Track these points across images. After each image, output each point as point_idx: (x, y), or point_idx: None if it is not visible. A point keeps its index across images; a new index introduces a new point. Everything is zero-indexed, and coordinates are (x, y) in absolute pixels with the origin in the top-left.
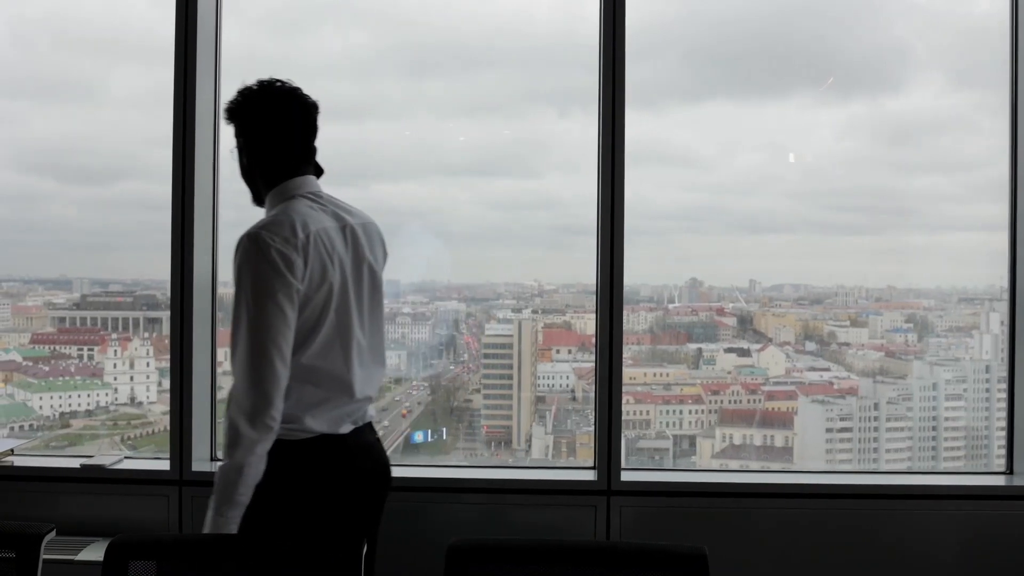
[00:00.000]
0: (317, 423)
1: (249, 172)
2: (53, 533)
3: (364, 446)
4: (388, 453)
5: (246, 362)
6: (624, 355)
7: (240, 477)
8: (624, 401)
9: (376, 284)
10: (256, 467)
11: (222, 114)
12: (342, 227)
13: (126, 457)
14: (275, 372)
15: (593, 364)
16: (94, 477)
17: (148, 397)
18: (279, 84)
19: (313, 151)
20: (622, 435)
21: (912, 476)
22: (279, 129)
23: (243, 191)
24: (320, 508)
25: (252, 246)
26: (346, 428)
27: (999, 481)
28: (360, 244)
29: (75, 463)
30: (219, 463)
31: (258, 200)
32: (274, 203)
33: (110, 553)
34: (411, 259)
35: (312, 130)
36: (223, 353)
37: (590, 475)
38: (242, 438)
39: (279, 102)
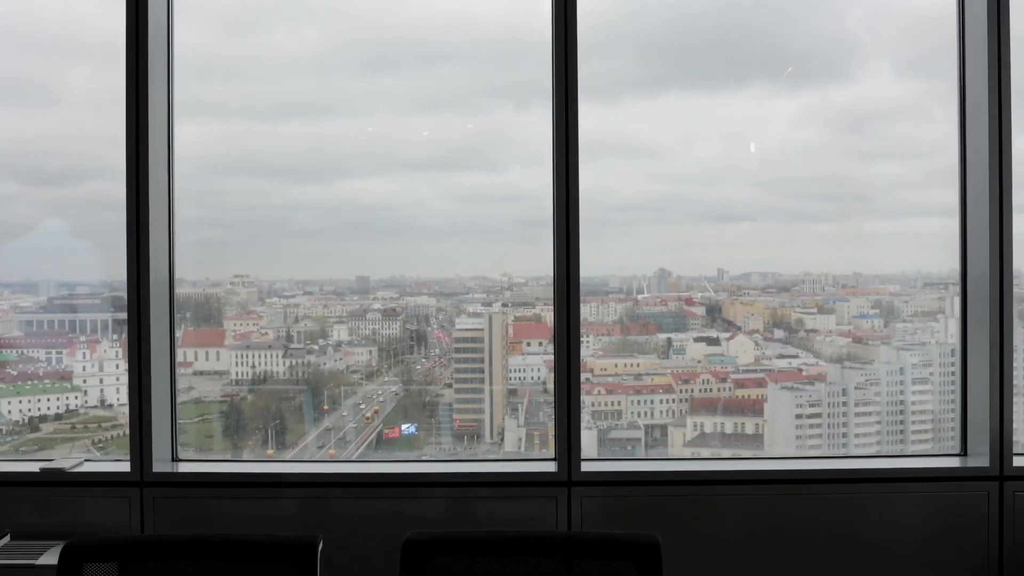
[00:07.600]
0: None
1: None
2: (7, 538)
3: None
4: (361, 449)
5: None
6: (594, 346)
7: None
8: (595, 392)
9: None
10: None
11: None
12: None
13: (87, 460)
14: None
15: None
16: (54, 481)
17: (118, 399)
18: None
19: None
20: (593, 426)
21: (872, 460)
22: None
23: (206, 189)
24: None
25: None
26: None
27: (954, 463)
28: None
29: (35, 467)
30: (180, 463)
31: None
32: None
33: (64, 556)
34: None
35: None
36: (182, 353)
37: (551, 467)
38: None
39: None
